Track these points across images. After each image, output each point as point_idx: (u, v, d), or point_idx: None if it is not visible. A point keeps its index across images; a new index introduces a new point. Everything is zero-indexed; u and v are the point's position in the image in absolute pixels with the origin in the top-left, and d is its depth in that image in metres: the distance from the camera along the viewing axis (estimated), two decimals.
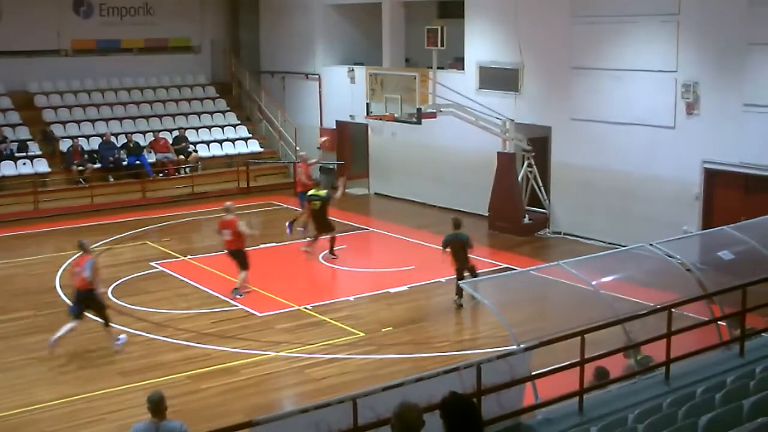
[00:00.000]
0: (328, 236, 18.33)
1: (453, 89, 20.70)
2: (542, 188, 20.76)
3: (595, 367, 9.02)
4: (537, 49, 20.63)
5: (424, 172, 23.26)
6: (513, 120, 20.67)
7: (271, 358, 13.22)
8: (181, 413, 9.74)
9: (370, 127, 24.96)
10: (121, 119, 27.16)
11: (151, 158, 25.98)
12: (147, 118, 27.52)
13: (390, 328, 14.47)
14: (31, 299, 16.22)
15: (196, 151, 26.71)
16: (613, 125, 19.06)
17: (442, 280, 16.95)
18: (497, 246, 19.47)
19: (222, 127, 28.20)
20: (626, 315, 9.23)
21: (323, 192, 18.47)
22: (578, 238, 19.91)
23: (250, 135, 28.28)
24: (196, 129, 27.73)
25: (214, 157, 27.21)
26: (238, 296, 15.96)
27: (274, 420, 7.14)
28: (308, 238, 18.85)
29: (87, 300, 13.46)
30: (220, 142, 27.74)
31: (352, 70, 25.46)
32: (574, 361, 8.51)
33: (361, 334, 14.14)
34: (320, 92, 27.08)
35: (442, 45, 19.54)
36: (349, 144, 26.93)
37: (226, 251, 16.47)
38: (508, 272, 15.75)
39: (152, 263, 18.36)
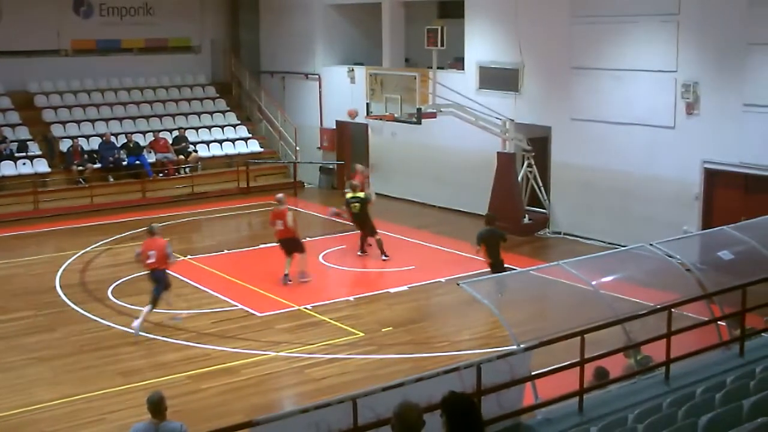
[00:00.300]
0: (374, 238, 18.45)
1: (453, 89, 20.70)
2: (542, 188, 20.76)
3: (595, 367, 9.02)
4: (537, 49, 20.64)
5: (424, 172, 23.27)
6: (513, 120, 20.67)
7: (271, 358, 13.22)
8: (181, 413, 9.75)
9: (370, 127, 24.96)
10: (121, 119, 27.16)
11: (151, 158, 25.98)
12: (147, 118, 27.52)
13: (390, 328, 14.47)
14: (31, 299, 16.23)
15: (196, 151, 26.71)
16: (613, 125, 19.06)
17: (442, 280, 16.97)
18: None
19: (222, 127, 28.20)
20: (626, 315, 9.23)
21: (361, 194, 18.53)
22: (578, 238, 19.91)
23: (250, 135, 28.29)
24: (196, 129, 27.73)
25: (214, 157, 27.21)
26: (304, 279, 16.75)
27: (275, 420, 7.14)
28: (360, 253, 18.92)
29: (159, 279, 14.21)
30: (220, 142, 27.75)
31: (352, 70, 25.47)
32: (574, 361, 8.51)
33: (361, 334, 14.15)
34: (320, 92, 27.09)
35: (442, 45, 19.54)
36: (349, 144, 26.93)
37: (278, 241, 16.91)
38: (508, 272, 15.76)
39: None
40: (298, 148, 27.24)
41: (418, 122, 19.55)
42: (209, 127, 28.02)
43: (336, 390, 11.34)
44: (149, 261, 14.19)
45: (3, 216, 22.71)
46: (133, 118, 27.33)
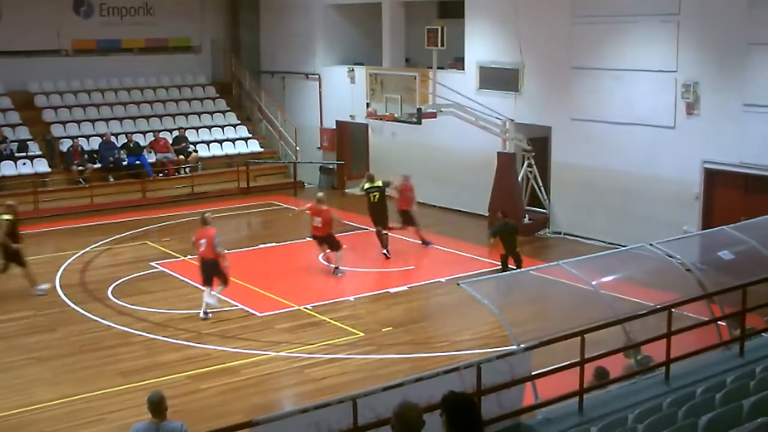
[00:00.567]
0: (384, 231, 18.62)
1: (453, 89, 20.70)
2: (542, 188, 20.76)
3: (595, 367, 9.02)
4: (537, 49, 20.63)
5: (424, 172, 23.24)
6: (513, 120, 20.67)
7: (271, 358, 13.22)
8: (181, 413, 9.74)
9: (370, 127, 24.95)
10: (121, 119, 27.16)
11: (151, 158, 25.98)
12: (147, 118, 27.51)
13: (390, 328, 14.47)
14: (31, 299, 16.21)
15: (196, 151, 26.71)
16: (613, 125, 19.06)
17: (442, 280, 16.96)
18: (497, 246, 19.45)
19: (222, 127, 28.19)
20: (626, 315, 9.23)
21: (379, 182, 18.70)
22: (578, 238, 19.91)
23: (250, 135, 28.28)
24: (196, 129, 27.73)
25: (214, 157, 27.21)
26: (339, 275, 17.22)
27: (274, 420, 7.14)
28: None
29: (212, 268, 14.82)
30: (220, 142, 27.74)
31: (352, 70, 25.46)
32: (574, 361, 8.51)
33: (361, 334, 14.14)
34: (320, 92, 27.08)
35: (442, 45, 19.53)
36: (349, 144, 26.92)
37: (313, 236, 17.59)
38: (509, 272, 15.77)
39: (152, 263, 18.35)
40: (298, 148, 27.23)
41: (419, 122, 19.55)
42: (209, 127, 28.02)
43: (336, 390, 11.34)
44: (201, 249, 14.95)
45: None
46: (134, 118, 27.33)
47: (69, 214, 23.05)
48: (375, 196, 18.58)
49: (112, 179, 25.20)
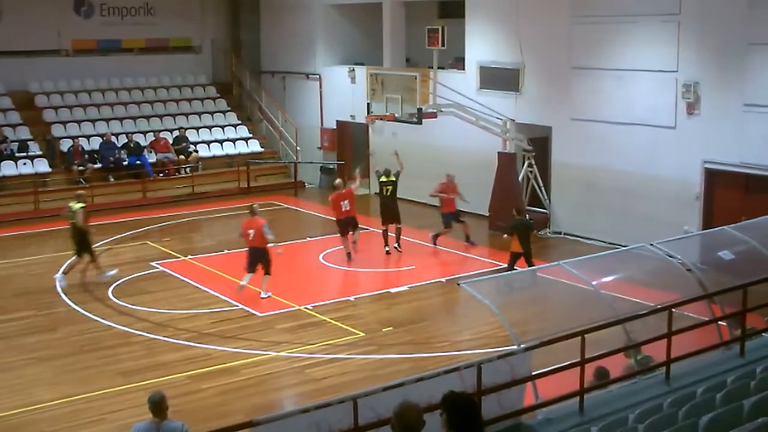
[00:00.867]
0: (394, 227, 18.84)
1: (453, 89, 20.70)
2: (543, 188, 20.76)
3: (595, 367, 9.01)
4: (537, 49, 20.63)
5: (425, 172, 23.21)
6: (513, 120, 20.67)
7: (272, 358, 13.22)
8: (182, 413, 9.75)
9: (370, 127, 24.94)
10: (121, 119, 27.17)
11: (152, 158, 25.99)
12: (147, 118, 27.52)
13: (390, 328, 14.47)
14: (31, 299, 16.22)
15: (196, 151, 26.71)
16: (613, 125, 19.06)
17: (443, 280, 16.96)
18: (498, 246, 19.41)
19: (222, 127, 28.20)
20: (627, 315, 9.23)
21: (393, 177, 18.89)
22: (579, 238, 19.91)
23: (251, 135, 28.29)
24: (197, 129, 27.74)
25: (214, 157, 27.22)
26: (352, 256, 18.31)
27: (275, 420, 7.14)
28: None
29: (261, 255, 15.70)
30: (221, 142, 27.75)
31: (353, 70, 25.47)
32: (574, 361, 8.51)
33: (362, 334, 14.14)
34: (321, 92, 27.09)
35: (442, 45, 19.54)
36: (349, 144, 26.92)
37: (343, 220, 18.40)
38: (509, 272, 15.77)
39: (153, 263, 18.36)
40: (298, 148, 27.24)
41: (419, 122, 19.54)
42: (210, 127, 28.02)
43: (336, 390, 11.34)
44: (250, 238, 15.77)
45: (3, 216, 22.72)
46: (134, 118, 27.34)
47: None
48: (388, 189, 18.77)
49: (112, 179, 25.21)
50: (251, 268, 15.86)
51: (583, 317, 8.95)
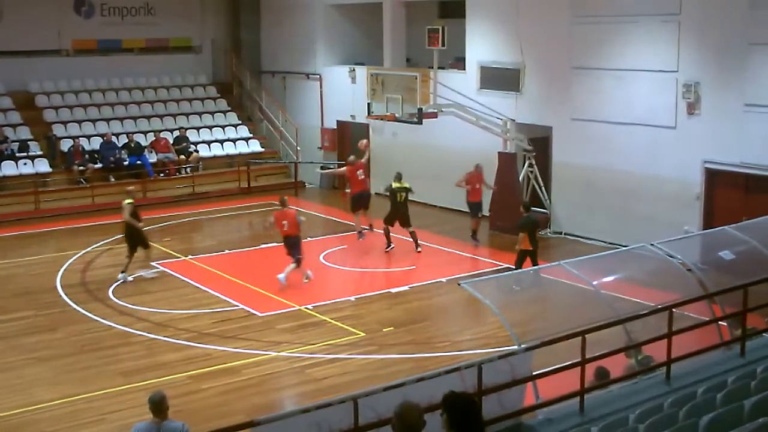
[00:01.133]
0: (409, 229, 18.93)
1: (454, 89, 20.69)
2: (543, 188, 20.75)
3: (596, 367, 9.02)
4: (538, 49, 20.63)
5: (425, 172, 23.25)
6: (514, 120, 20.67)
7: (272, 358, 13.22)
8: (182, 413, 9.75)
9: (371, 127, 24.95)
10: (122, 119, 27.16)
11: (152, 158, 25.98)
12: (148, 118, 27.52)
13: (391, 328, 14.47)
14: (32, 299, 16.23)
15: (197, 151, 26.70)
16: (614, 125, 19.05)
17: (443, 280, 16.96)
18: (498, 246, 19.46)
19: (223, 127, 28.20)
20: (627, 315, 9.24)
21: (407, 184, 19.05)
22: (579, 238, 19.90)
23: (251, 135, 28.28)
24: (197, 129, 27.73)
25: (214, 157, 27.21)
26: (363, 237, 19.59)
27: (276, 420, 7.14)
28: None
29: (294, 244, 16.45)
30: (221, 142, 27.75)
31: (353, 70, 25.46)
32: (575, 361, 8.51)
33: (362, 334, 14.14)
34: (321, 92, 27.09)
35: (443, 45, 19.53)
36: (349, 144, 26.89)
37: (355, 194, 19.81)
38: (509, 272, 15.77)
39: (153, 263, 18.34)
40: (299, 148, 27.24)
41: (419, 122, 19.54)
42: (210, 127, 28.02)
43: (337, 390, 11.34)
44: (284, 229, 16.44)
45: (4, 216, 22.71)
46: (134, 118, 27.33)
47: (70, 214, 23.06)
48: (401, 196, 18.79)
49: (113, 179, 25.18)
50: (292, 255, 16.57)
51: (583, 317, 8.95)
